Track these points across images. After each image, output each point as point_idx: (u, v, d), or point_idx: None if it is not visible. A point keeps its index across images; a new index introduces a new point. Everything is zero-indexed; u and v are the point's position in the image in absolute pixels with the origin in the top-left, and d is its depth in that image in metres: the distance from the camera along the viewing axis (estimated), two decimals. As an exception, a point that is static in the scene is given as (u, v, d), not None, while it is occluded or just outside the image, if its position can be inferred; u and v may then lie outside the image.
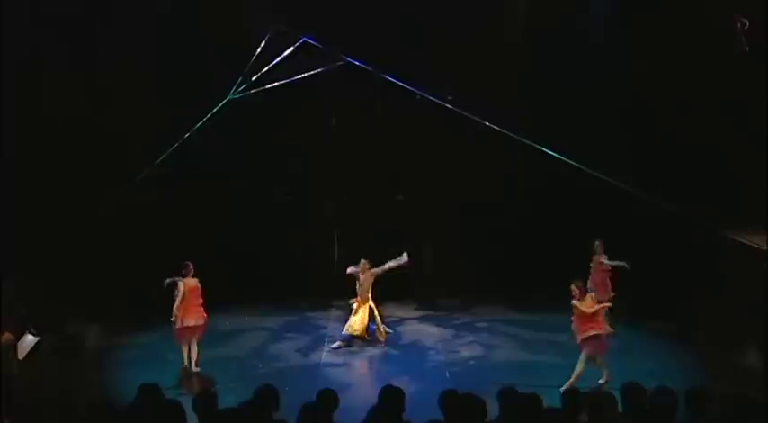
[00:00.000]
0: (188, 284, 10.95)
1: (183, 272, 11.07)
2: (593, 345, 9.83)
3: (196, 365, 10.91)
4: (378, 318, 12.11)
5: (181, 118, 11.97)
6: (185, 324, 10.85)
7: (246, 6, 13.87)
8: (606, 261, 12.32)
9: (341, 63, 11.36)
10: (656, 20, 13.23)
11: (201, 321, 11.04)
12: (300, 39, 11.49)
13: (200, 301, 11.11)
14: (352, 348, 11.86)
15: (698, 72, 12.95)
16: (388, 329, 12.32)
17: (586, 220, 14.52)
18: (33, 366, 10.43)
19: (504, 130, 11.19)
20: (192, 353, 10.93)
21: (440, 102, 11.38)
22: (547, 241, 14.74)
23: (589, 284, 11.76)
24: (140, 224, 14.14)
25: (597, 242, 12.52)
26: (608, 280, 12.35)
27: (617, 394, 5.69)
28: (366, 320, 11.96)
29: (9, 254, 11.26)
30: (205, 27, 13.69)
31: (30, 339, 10.70)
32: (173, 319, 10.84)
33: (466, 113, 11.19)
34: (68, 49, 13.29)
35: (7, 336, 9.85)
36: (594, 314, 9.92)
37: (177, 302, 10.83)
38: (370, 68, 11.30)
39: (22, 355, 10.46)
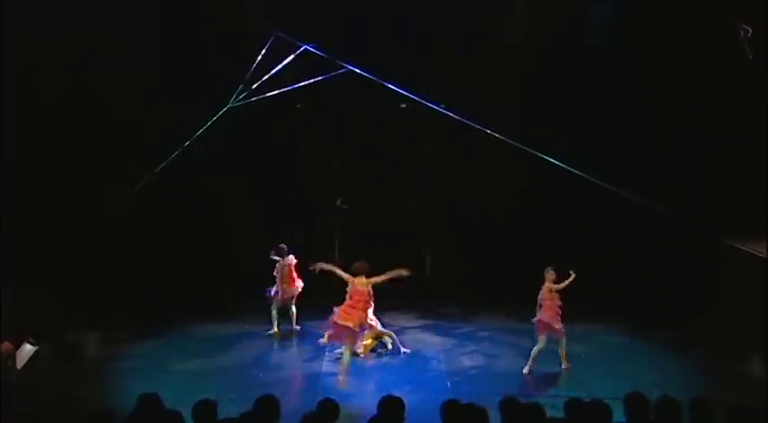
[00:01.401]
0: (285, 262, 12.91)
1: (276, 252, 12.88)
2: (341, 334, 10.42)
3: (296, 323, 13.17)
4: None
5: (182, 119, 11.96)
6: (283, 295, 12.95)
7: (248, 13, 13.92)
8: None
9: (342, 70, 11.36)
10: (657, 23, 13.23)
11: (296, 292, 13.08)
12: (301, 47, 11.49)
13: (295, 274, 12.99)
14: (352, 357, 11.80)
15: (700, 78, 12.92)
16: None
17: (587, 227, 14.54)
18: (33, 376, 10.39)
19: (505, 138, 11.16)
20: (291, 314, 13.12)
21: (437, 107, 11.36)
22: (548, 249, 14.71)
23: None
24: (140, 232, 14.12)
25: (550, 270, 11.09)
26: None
27: (619, 404, 5.68)
28: (374, 346, 12.06)
29: (9, 263, 11.22)
30: (207, 31, 13.73)
31: (28, 349, 10.68)
32: (274, 289, 12.93)
33: (468, 121, 11.17)
34: (68, 50, 13.27)
35: (6, 345, 9.82)
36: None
37: (278, 278, 12.87)
38: (371, 76, 11.29)
39: (20, 364, 10.43)
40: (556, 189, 13.72)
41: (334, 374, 11.07)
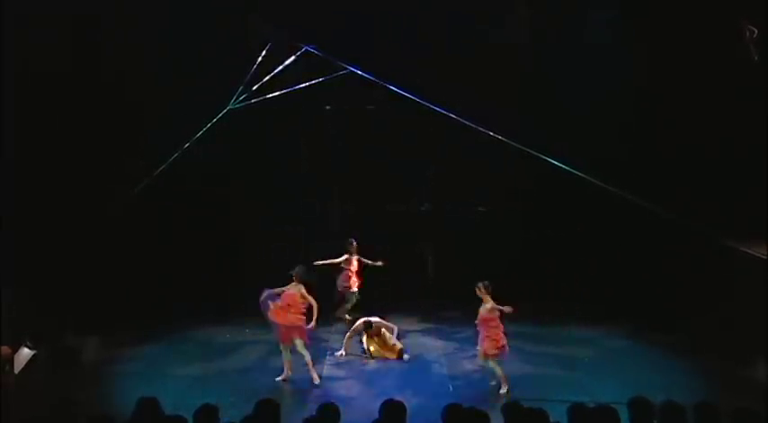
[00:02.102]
0: (349, 257, 13.84)
1: (349, 248, 13.76)
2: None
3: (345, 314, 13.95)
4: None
5: (182, 120, 11.93)
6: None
7: (248, 14, 13.91)
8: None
9: (343, 72, 11.33)
10: (657, 23, 13.19)
11: (344, 287, 13.98)
12: (302, 48, 11.47)
13: (351, 273, 13.86)
14: (353, 362, 11.76)
15: (700, 78, 12.88)
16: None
17: (589, 231, 14.50)
18: (31, 380, 10.34)
19: (505, 139, 11.12)
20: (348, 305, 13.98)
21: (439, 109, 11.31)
22: (550, 253, 14.71)
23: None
24: (140, 234, 14.09)
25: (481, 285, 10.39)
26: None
27: (623, 408, 5.63)
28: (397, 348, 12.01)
29: (9, 263, 11.17)
30: (208, 32, 13.72)
31: (26, 352, 10.64)
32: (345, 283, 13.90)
33: (468, 121, 11.12)
34: (69, 50, 13.23)
35: (5, 349, 9.77)
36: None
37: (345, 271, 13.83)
38: (372, 78, 11.25)
39: (18, 368, 10.39)
40: (557, 190, 13.68)
41: (336, 378, 11.05)
